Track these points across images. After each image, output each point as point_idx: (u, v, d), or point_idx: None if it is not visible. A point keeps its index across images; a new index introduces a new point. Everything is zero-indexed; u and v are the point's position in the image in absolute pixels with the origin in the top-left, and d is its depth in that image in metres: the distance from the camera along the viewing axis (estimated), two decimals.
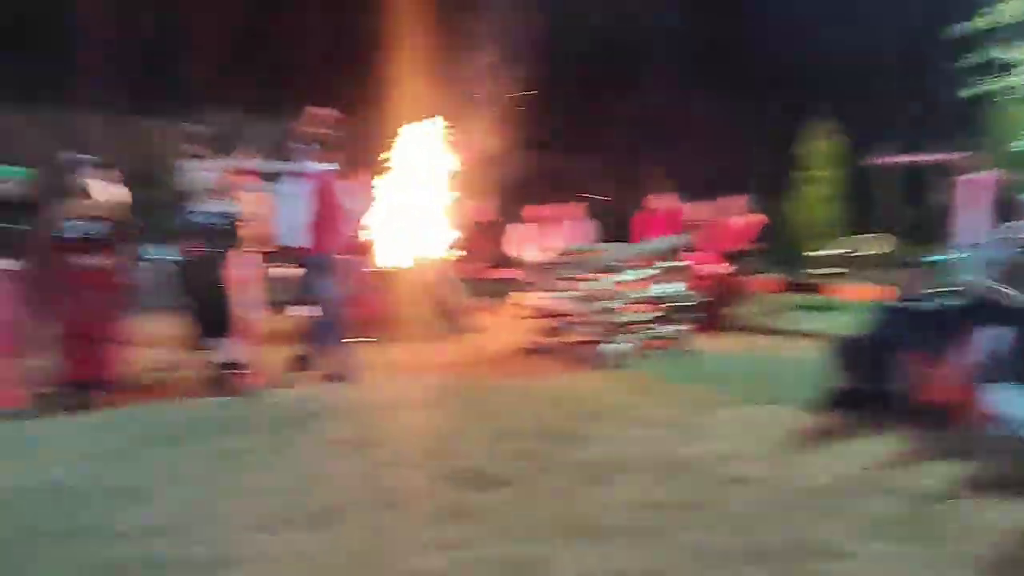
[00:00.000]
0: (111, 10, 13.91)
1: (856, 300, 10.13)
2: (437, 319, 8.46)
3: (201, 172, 6.19)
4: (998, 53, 11.98)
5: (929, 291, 5.71)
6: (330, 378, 6.37)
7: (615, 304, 7.27)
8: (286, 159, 6.96)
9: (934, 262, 8.05)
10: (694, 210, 9.80)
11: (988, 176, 7.77)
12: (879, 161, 14.02)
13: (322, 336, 6.51)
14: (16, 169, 5.88)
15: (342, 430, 5.03)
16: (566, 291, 7.56)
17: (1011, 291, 5.07)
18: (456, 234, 8.98)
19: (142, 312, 6.62)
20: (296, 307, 6.69)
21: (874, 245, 13.87)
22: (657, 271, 7.73)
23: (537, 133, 8.61)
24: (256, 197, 6.71)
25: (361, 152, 9.27)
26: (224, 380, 5.85)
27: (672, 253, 8.02)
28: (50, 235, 5.78)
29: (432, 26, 8.45)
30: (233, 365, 5.89)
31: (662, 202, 9.98)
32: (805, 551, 3.17)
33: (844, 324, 6.77)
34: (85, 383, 5.70)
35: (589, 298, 7.27)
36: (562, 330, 7.62)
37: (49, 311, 5.71)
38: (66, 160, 6.03)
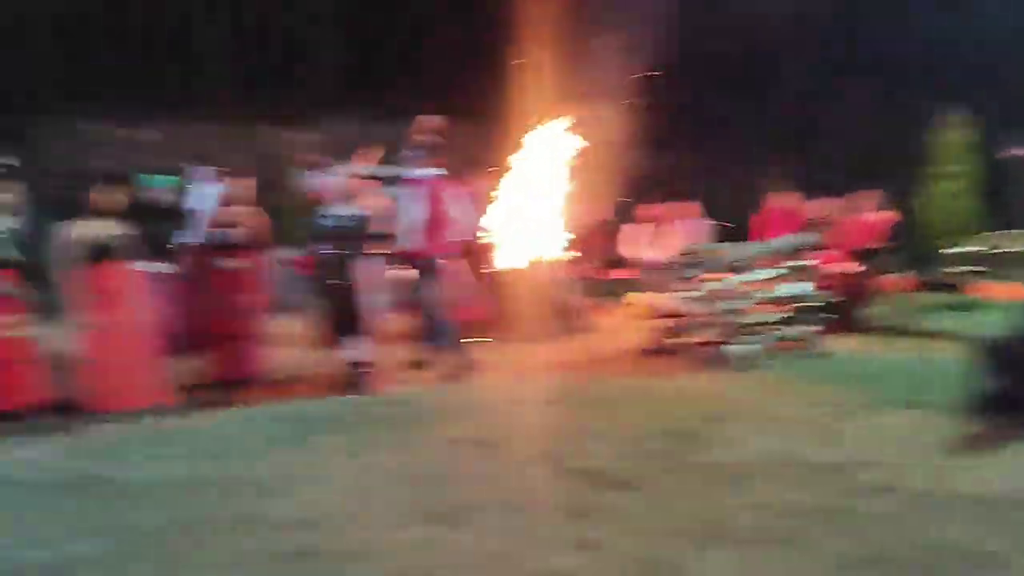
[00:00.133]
0: (235, 23, 14.58)
1: (998, 299, 9.52)
2: (553, 320, 8.48)
3: (331, 177, 6.47)
4: None
5: None
6: (447, 378, 6.50)
7: (740, 304, 7.09)
8: (401, 165, 7.19)
9: None
10: (822, 207, 9.45)
11: None
12: (1015, 153, 13.14)
13: (437, 336, 6.70)
14: (168, 178, 6.30)
15: (467, 429, 5.09)
16: (687, 291, 7.44)
17: None
18: (571, 235, 8.98)
19: (278, 312, 6.94)
20: (411, 308, 6.86)
21: (1017, 241, 12.99)
22: (784, 271, 7.50)
23: (655, 131, 8.48)
24: (380, 201, 6.96)
25: (480, 155, 9.45)
26: (354, 379, 6.05)
27: (799, 252, 7.76)
28: (197, 240, 6.16)
29: (556, 25, 8.46)
30: (362, 364, 6.08)
31: (783, 200, 9.68)
32: (957, 561, 3.02)
33: (986, 324, 6.38)
34: (228, 381, 6.05)
35: (712, 298, 7.12)
36: (683, 331, 7.49)
37: (196, 312, 6.08)
38: (193, 171, 6.40)
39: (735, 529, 3.39)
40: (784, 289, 7.42)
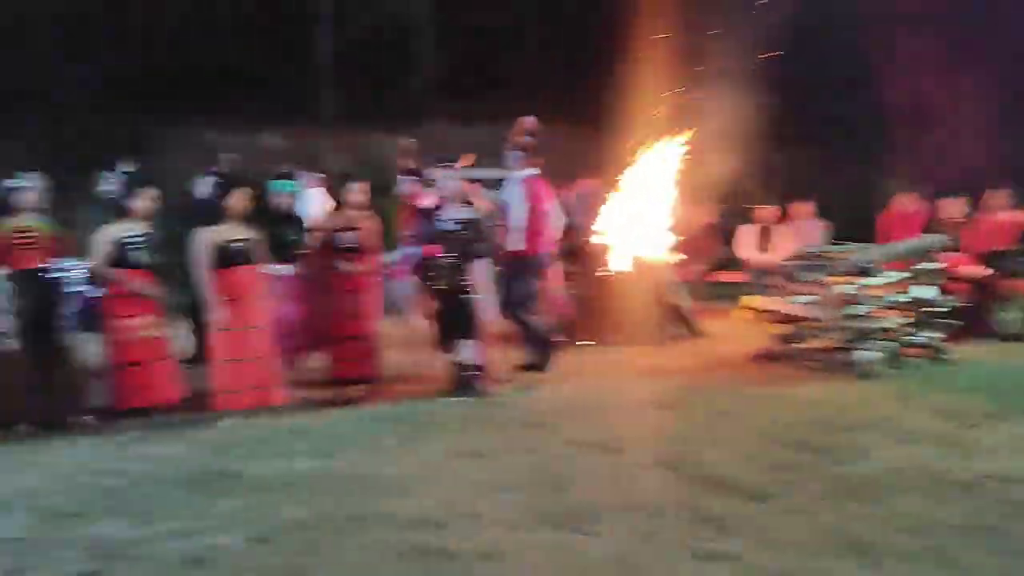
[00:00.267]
0: (338, 31, 15.03)
1: None
2: (664, 323, 8.32)
3: (446, 180, 6.55)
4: None
5: None
6: (553, 379, 6.48)
7: (865, 309, 6.78)
8: (502, 166, 7.25)
9: None
10: (949, 207, 8.96)
11: None
12: None
13: (538, 338, 6.73)
14: (289, 183, 6.50)
15: (582, 431, 5.04)
16: (807, 294, 7.16)
17: None
18: (679, 237, 8.80)
19: (391, 314, 7.07)
20: (513, 309, 6.86)
21: None
22: (911, 274, 7.13)
23: (769, 129, 8.21)
24: (488, 203, 7.03)
25: (592, 158, 9.40)
26: (466, 380, 6.09)
27: (927, 254, 7.36)
28: (317, 243, 6.34)
29: (666, 27, 8.33)
30: (475, 366, 6.11)
31: (909, 201, 9.22)
32: None
33: None
34: (347, 380, 6.19)
35: (836, 302, 6.82)
36: (802, 336, 7.22)
37: (315, 313, 6.25)
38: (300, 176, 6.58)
39: (876, 544, 3.23)
40: (912, 293, 7.06)
